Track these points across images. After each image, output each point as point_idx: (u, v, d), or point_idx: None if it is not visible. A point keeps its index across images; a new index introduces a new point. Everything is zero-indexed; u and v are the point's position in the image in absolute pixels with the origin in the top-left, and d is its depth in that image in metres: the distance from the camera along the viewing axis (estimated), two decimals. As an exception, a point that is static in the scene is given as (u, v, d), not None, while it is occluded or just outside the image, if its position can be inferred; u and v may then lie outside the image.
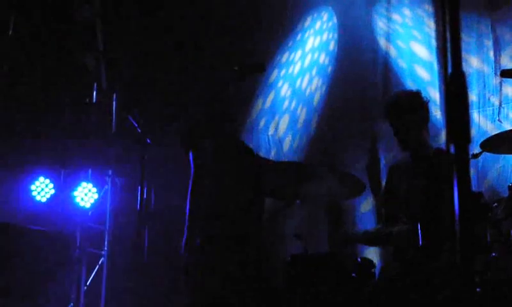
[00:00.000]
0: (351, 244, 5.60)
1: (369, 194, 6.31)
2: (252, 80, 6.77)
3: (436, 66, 6.32)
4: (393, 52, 6.62)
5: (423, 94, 5.10)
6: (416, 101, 5.09)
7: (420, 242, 4.35)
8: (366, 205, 6.37)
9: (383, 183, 6.34)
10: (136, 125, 4.13)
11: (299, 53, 7.17)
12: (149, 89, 7.08)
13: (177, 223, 4.80)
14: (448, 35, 1.86)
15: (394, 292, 4.40)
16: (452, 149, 1.75)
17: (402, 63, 6.57)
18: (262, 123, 7.01)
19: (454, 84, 1.75)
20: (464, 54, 1.85)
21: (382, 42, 6.70)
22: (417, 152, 5.02)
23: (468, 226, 1.78)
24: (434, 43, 6.37)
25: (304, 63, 7.11)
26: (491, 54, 5.96)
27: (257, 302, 4.47)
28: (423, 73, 6.42)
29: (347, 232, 5.92)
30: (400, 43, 6.63)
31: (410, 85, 6.37)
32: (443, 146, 5.02)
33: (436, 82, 6.28)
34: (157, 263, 5.96)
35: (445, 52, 1.85)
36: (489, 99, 5.94)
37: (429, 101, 5.08)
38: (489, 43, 5.98)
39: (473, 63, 6.01)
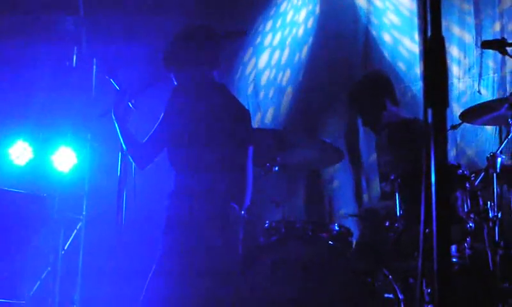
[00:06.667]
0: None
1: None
2: (234, 46, 6.74)
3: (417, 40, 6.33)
4: (374, 24, 6.61)
5: (382, 73, 5.09)
6: (373, 83, 5.09)
7: (398, 212, 4.38)
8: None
9: (361, 152, 6.36)
10: (117, 88, 4.09)
11: (279, 22, 7.13)
12: (130, 52, 7.03)
13: (157, 187, 4.78)
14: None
15: (372, 261, 4.44)
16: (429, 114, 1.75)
17: (382, 35, 6.56)
18: (242, 89, 7.00)
19: (433, 47, 1.74)
20: (445, 25, 1.85)
21: (364, 11, 6.67)
22: (388, 128, 5.00)
23: (445, 194, 1.78)
24: (416, 11, 6.35)
25: (285, 32, 7.08)
26: (473, 25, 5.95)
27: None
28: (406, 45, 6.43)
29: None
30: (381, 14, 6.61)
31: (388, 55, 6.39)
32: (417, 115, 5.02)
33: (417, 56, 6.29)
34: (135, 227, 5.95)
35: (425, 17, 1.84)
36: (469, 70, 5.94)
37: (388, 76, 5.08)
38: (470, 11, 5.97)
39: (455, 34, 6.01)
